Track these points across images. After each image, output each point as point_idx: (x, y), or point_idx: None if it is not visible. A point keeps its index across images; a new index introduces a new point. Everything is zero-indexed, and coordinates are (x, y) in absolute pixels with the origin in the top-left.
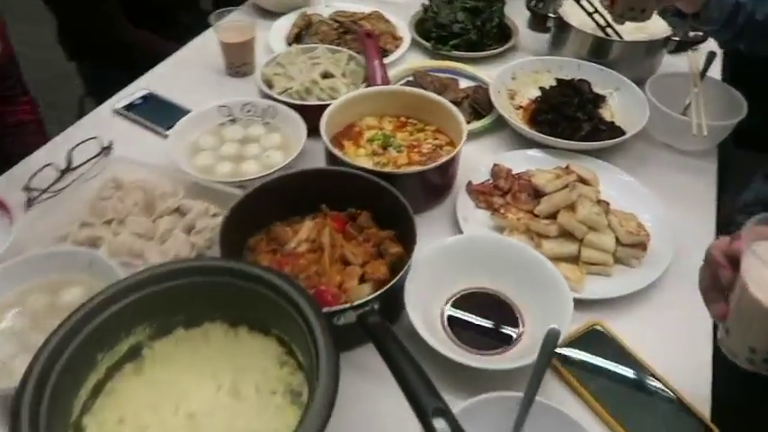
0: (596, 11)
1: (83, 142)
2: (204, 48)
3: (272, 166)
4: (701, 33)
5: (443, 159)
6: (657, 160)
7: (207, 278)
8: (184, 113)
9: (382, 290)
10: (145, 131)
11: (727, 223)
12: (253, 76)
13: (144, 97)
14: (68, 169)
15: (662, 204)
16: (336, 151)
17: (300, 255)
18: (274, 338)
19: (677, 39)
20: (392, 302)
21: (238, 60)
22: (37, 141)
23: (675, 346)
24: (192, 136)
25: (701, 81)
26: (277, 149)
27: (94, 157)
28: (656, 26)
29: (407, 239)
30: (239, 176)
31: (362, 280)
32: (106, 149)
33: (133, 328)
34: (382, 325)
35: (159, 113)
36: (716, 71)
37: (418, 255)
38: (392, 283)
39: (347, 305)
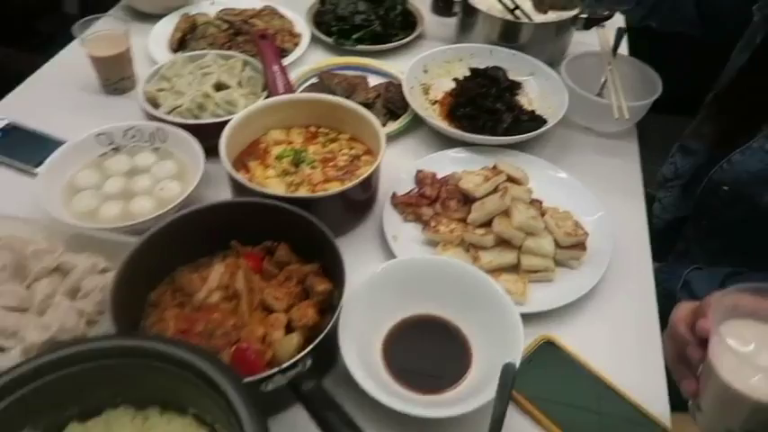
0: None
1: None
2: (73, 62)
3: (169, 202)
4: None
5: (364, 176)
6: (580, 145)
7: (99, 362)
8: (56, 145)
9: (314, 343)
10: (8, 171)
11: (651, 200)
12: (135, 91)
13: (3, 129)
14: None
15: (594, 196)
16: (241, 178)
17: (213, 306)
18: (192, 418)
19: (585, 16)
20: (326, 350)
21: (114, 76)
22: None
23: (626, 348)
24: (68, 173)
25: (614, 58)
26: (173, 179)
27: None
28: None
29: (335, 272)
30: (130, 219)
31: (289, 328)
32: None
33: None
34: (318, 391)
35: (24, 148)
36: (624, 48)
37: (349, 288)
38: (325, 331)
39: (274, 370)
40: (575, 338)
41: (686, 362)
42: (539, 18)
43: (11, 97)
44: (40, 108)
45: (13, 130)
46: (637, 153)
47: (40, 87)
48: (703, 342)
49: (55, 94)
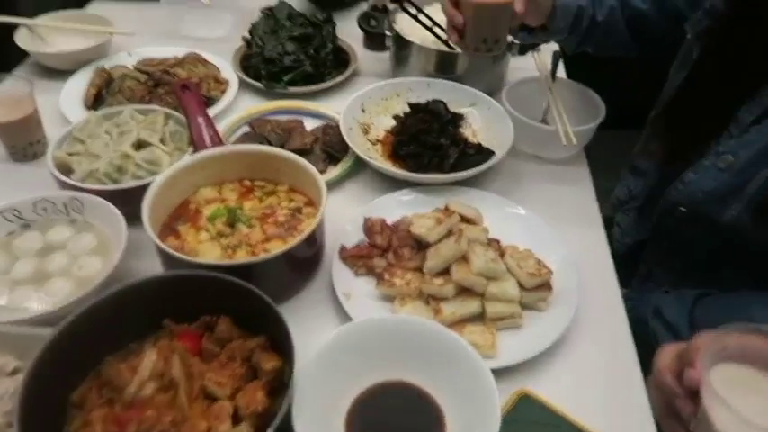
0: (435, 23)
1: None
2: None
3: (89, 281)
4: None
5: (307, 231)
6: (530, 175)
7: None
8: None
9: None
10: None
11: (609, 223)
12: (46, 156)
13: None
14: None
15: (552, 229)
16: (168, 249)
17: (147, 401)
18: None
19: (518, 42)
20: None
21: (21, 141)
22: None
23: (607, 391)
24: None
25: (554, 83)
26: (93, 255)
27: None
28: None
29: (283, 345)
30: (46, 307)
31: (236, 418)
32: None
33: None
34: None
35: None
36: (562, 70)
37: (301, 361)
38: (277, 418)
39: None
40: (552, 387)
41: (676, 415)
42: None
43: None
44: None
45: None
46: (589, 178)
47: None
48: (693, 393)
49: None
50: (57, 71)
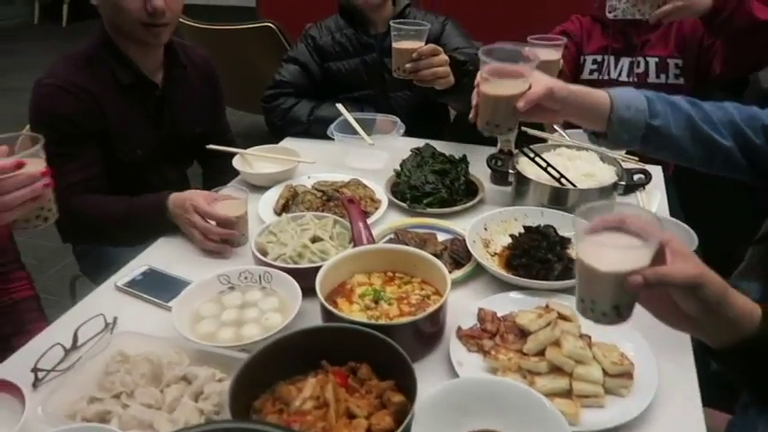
0: (549, 165)
1: (89, 320)
2: None
3: (271, 329)
4: (644, 177)
5: (432, 308)
6: None
7: None
8: (184, 285)
9: None
10: (147, 305)
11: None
12: (248, 245)
13: (144, 273)
14: (74, 347)
15: (640, 336)
16: (332, 308)
17: (307, 412)
18: None
19: (623, 183)
20: None
21: (237, 230)
22: (36, 318)
23: None
24: (194, 305)
25: None
26: (275, 312)
27: (99, 332)
28: (604, 174)
29: (408, 388)
30: (241, 341)
31: None
32: (111, 325)
33: None
34: None
35: (160, 287)
36: (664, 208)
37: (420, 401)
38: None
39: None
40: None
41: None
42: (583, 185)
43: (151, 249)
44: (173, 257)
45: (151, 273)
46: None
47: (172, 243)
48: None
49: (185, 245)
50: (257, 186)
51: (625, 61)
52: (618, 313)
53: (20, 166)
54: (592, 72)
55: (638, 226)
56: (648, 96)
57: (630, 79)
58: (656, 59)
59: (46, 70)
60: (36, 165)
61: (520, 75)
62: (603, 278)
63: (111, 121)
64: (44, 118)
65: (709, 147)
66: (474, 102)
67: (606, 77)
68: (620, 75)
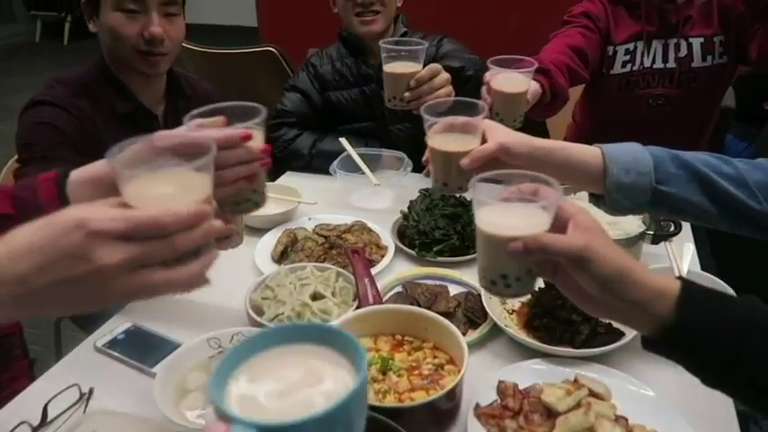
0: None
1: (61, 392)
2: None
3: None
4: (673, 227)
5: (449, 387)
6: (667, 362)
7: None
8: (171, 346)
9: None
10: (129, 369)
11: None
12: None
13: (127, 331)
14: (43, 423)
15: (684, 420)
16: None
17: None
18: None
19: (651, 233)
20: None
21: None
22: (19, 356)
23: None
24: (180, 373)
25: (686, 273)
26: None
27: (73, 405)
28: (630, 224)
29: None
30: None
31: None
32: (86, 396)
33: None
34: None
35: (144, 348)
36: (695, 260)
37: None
38: None
39: None
40: None
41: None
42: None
43: (138, 303)
44: (161, 312)
45: (136, 332)
46: None
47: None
48: None
49: (173, 300)
50: (254, 229)
51: (659, 44)
52: (506, 284)
53: (247, 138)
54: (624, 64)
55: (540, 195)
56: (657, 155)
57: (672, 65)
58: (702, 39)
59: (38, 93)
60: (255, 139)
61: (473, 128)
62: (490, 242)
63: (107, 149)
64: (35, 129)
65: (740, 212)
66: (424, 157)
67: (640, 68)
68: (654, 61)
